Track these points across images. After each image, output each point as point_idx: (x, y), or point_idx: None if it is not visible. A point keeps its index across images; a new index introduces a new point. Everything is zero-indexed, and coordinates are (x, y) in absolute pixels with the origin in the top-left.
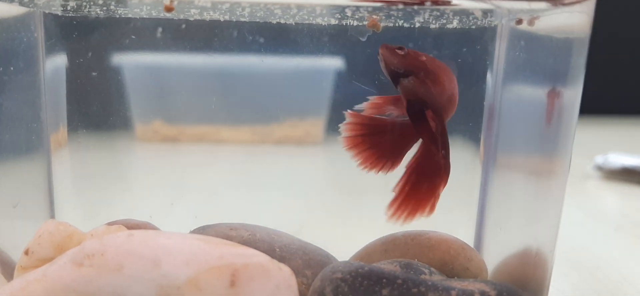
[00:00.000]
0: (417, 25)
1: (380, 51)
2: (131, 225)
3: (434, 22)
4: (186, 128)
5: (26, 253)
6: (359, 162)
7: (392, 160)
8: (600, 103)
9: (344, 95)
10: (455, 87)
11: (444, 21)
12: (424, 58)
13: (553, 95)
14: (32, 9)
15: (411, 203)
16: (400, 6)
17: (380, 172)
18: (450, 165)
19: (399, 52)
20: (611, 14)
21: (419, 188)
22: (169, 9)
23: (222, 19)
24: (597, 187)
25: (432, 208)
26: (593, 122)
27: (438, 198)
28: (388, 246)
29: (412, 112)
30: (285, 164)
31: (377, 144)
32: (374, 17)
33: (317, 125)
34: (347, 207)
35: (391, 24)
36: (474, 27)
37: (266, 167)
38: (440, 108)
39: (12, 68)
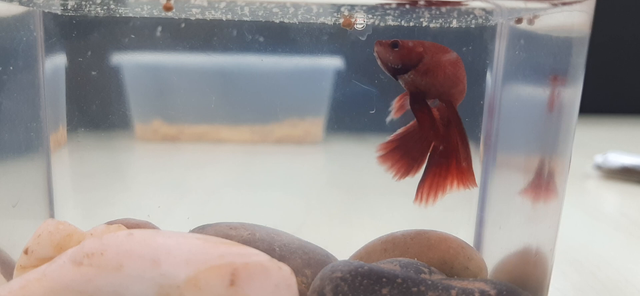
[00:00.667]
0: (415, 24)
1: (375, 49)
2: (131, 225)
3: (434, 21)
4: (186, 127)
5: (26, 252)
6: (393, 174)
7: (419, 161)
8: (600, 102)
9: (343, 95)
10: (459, 70)
11: (444, 20)
12: (420, 49)
13: (556, 82)
14: (31, 8)
15: (438, 184)
16: (394, 5)
17: (412, 176)
18: (468, 145)
19: (394, 48)
20: (611, 13)
21: (442, 169)
22: (167, 8)
23: (223, 18)
24: (596, 186)
25: (466, 182)
26: (593, 121)
27: (466, 173)
28: (388, 245)
29: (415, 103)
30: (285, 163)
31: (405, 152)
32: (347, 16)
33: (316, 124)
34: (347, 206)
35: (393, 23)
36: (473, 26)
37: (266, 166)
38: (444, 94)
39: (11, 67)
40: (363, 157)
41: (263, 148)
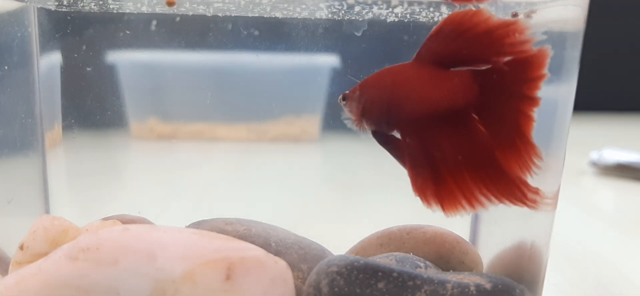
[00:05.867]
0: (406, 19)
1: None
2: (126, 220)
3: (424, 15)
4: (182, 125)
5: (21, 248)
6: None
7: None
8: (596, 99)
9: (340, 92)
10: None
11: (435, 13)
12: (362, 89)
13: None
14: (26, 4)
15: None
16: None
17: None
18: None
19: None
20: (606, 9)
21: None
22: (170, 3)
23: (220, 14)
24: (592, 183)
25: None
26: (588, 118)
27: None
28: (383, 240)
29: (379, 139)
30: (281, 161)
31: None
32: None
33: (313, 122)
34: (343, 202)
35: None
36: None
37: (262, 163)
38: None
39: (6, 64)
40: (359, 154)
41: (259, 146)
